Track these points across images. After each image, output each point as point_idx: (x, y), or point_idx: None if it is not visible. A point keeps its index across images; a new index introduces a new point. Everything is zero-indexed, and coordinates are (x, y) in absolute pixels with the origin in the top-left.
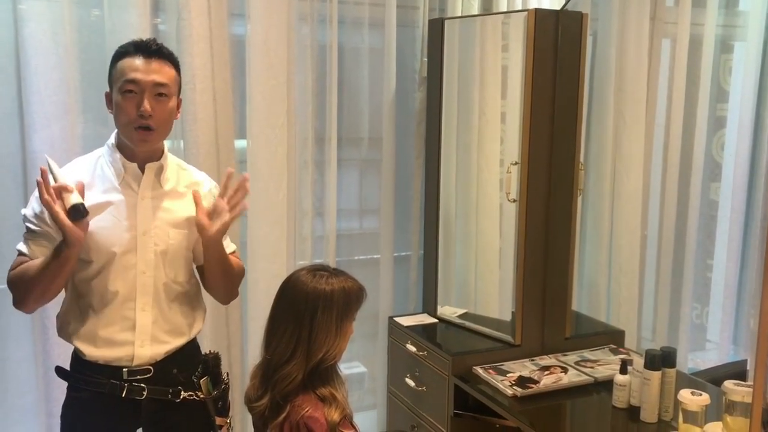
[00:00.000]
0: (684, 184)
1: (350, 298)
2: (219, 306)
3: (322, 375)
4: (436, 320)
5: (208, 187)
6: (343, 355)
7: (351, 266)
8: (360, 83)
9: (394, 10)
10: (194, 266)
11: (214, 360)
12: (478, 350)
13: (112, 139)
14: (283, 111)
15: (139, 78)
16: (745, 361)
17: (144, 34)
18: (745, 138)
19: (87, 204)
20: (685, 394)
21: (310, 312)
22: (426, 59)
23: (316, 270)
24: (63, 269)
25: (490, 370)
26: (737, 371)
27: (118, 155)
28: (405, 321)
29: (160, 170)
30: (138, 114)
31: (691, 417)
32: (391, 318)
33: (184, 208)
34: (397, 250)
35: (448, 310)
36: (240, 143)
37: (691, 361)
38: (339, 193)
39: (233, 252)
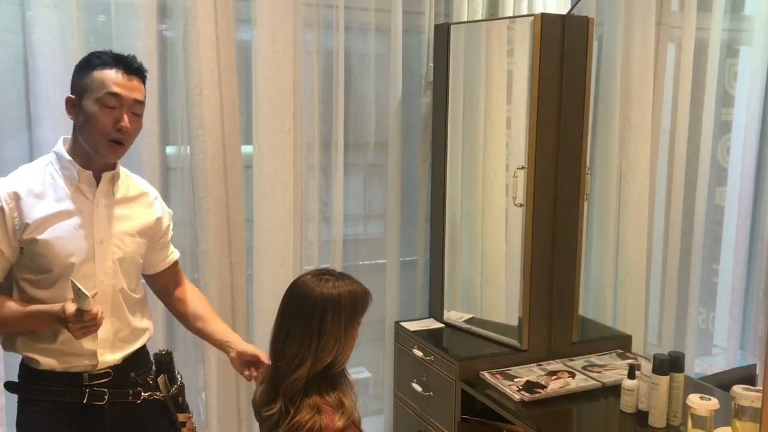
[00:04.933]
0: (690, 189)
1: (357, 301)
2: (225, 310)
3: (331, 380)
4: (442, 325)
5: (154, 196)
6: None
7: (357, 271)
8: (366, 88)
9: (400, 16)
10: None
11: (166, 357)
12: (484, 355)
13: (60, 147)
14: (290, 116)
15: (122, 93)
16: (754, 365)
17: (150, 40)
18: (751, 142)
19: (42, 214)
20: (694, 399)
21: (319, 317)
22: (432, 64)
23: (321, 274)
24: (39, 327)
25: (497, 375)
26: (746, 376)
27: (71, 163)
28: (411, 326)
29: (115, 179)
30: (115, 128)
31: (700, 422)
32: (397, 323)
33: (138, 217)
34: (404, 254)
35: (455, 315)
36: (246, 148)
37: (698, 366)
38: (345, 198)
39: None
